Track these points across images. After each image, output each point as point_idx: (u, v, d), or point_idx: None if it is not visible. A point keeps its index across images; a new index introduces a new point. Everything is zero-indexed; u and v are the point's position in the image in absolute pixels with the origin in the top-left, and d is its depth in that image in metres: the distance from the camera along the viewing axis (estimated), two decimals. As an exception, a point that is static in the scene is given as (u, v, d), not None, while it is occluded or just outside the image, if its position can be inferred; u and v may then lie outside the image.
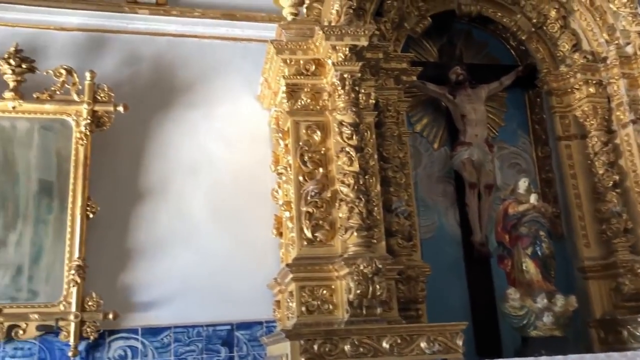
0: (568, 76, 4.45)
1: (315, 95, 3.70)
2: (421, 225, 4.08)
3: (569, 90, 4.48)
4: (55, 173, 3.80)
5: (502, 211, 4.01)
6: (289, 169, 3.70)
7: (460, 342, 3.14)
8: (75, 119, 3.87)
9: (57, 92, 3.87)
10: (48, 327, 3.57)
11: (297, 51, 3.68)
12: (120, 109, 3.92)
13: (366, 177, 3.48)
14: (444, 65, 4.57)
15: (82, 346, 3.62)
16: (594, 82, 4.36)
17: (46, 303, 3.60)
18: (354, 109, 3.48)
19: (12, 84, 3.81)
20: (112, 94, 3.94)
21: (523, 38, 4.65)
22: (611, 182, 4.16)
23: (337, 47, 3.51)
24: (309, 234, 3.43)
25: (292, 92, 3.67)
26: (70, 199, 3.74)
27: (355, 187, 3.34)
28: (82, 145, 3.83)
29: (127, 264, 3.85)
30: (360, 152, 3.44)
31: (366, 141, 3.63)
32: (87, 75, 3.91)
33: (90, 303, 3.63)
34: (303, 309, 3.29)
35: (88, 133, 3.85)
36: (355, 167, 3.38)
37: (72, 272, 3.62)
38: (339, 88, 3.51)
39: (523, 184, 4.05)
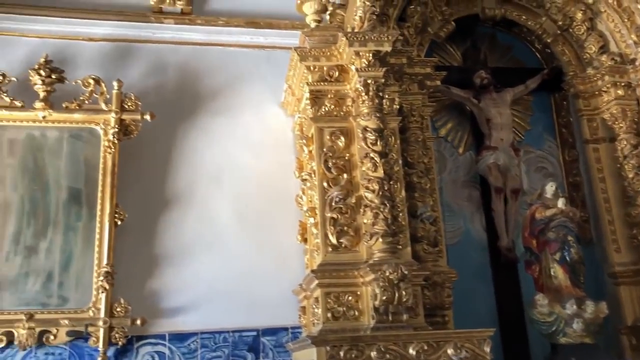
0: (595, 79, 4.40)
1: (339, 101, 3.71)
2: (447, 230, 4.05)
3: (597, 92, 4.42)
4: (84, 181, 3.85)
5: (529, 216, 3.96)
6: (313, 175, 3.71)
7: (487, 349, 3.10)
8: (103, 127, 3.93)
9: (86, 102, 3.94)
10: (78, 332, 3.63)
11: (321, 58, 3.69)
12: (147, 117, 3.97)
13: (391, 182, 3.48)
14: (468, 69, 4.54)
15: (110, 352, 3.67)
16: (623, 84, 4.31)
17: (76, 309, 3.65)
18: (378, 115, 3.48)
19: (42, 94, 3.88)
20: (139, 103, 4.00)
21: (548, 41, 4.60)
22: (642, 186, 4.09)
23: (360, 53, 3.52)
24: (333, 240, 3.43)
25: (316, 98, 3.69)
26: (98, 207, 3.79)
27: (380, 193, 3.33)
28: (110, 153, 3.89)
29: (155, 270, 3.89)
30: (385, 157, 3.43)
31: (390, 146, 3.62)
32: (115, 84, 3.98)
33: (118, 309, 3.68)
34: (329, 315, 3.29)
35: (116, 141, 3.90)
36: (380, 172, 3.37)
37: (101, 278, 3.67)
38: (363, 94, 3.51)
39: (550, 188, 4.01)
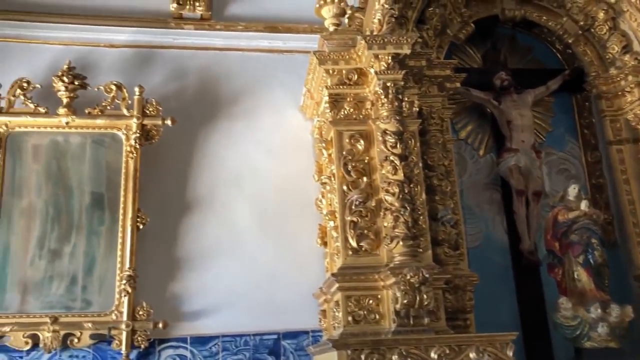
0: (618, 79, 4.34)
1: (358, 104, 3.71)
2: (468, 233, 4.02)
3: (620, 93, 4.36)
4: (106, 186, 3.90)
5: (551, 218, 3.92)
6: (332, 178, 3.71)
7: (510, 353, 3.07)
8: (125, 132, 3.98)
9: (108, 107, 3.99)
10: (101, 335, 3.67)
11: (340, 61, 3.70)
12: (168, 122, 4.01)
13: (411, 185, 3.46)
14: (488, 71, 4.50)
15: (133, 355, 3.71)
16: (647, 84, 4.23)
17: (99, 312, 3.70)
18: (397, 118, 3.47)
19: (65, 100, 3.94)
20: (160, 108, 4.04)
21: (570, 41, 4.55)
22: (667, 187, 4.02)
23: (379, 56, 3.51)
24: (354, 244, 3.43)
25: (335, 101, 3.70)
26: (121, 211, 3.84)
27: (400, 196, 3.32)
28: (132, 158, 3.94)
29: (176, 273, 3.93)
30: (405, 160, 3.42)
31: (410, 149, 3.61)
32: (136, 90, 4.03)
33: (140, 312, 3.71)
34: (349, 318, 3.29)
35: (138, 146, 3.95)
36: (400, 175, 3.36)
37: (124, 282, 3.71)
38: (382, 97, 3.51)
39: (573, 190, 3.96)
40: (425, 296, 3.15)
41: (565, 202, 3.94)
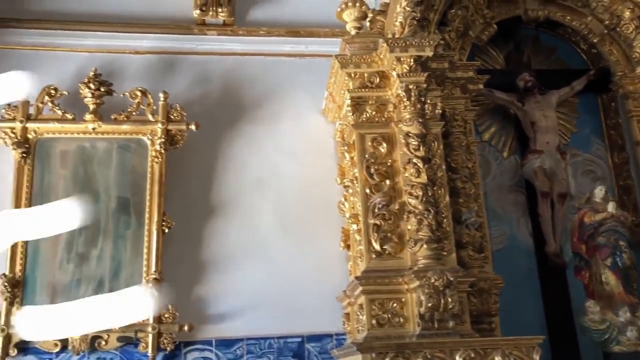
0: (646, 78, 4.27)
1: (380, 107, 3.71)
2: (492, 236, 3.98)
3: (647, 92, 4.29)
4: (132, 190, 3.96)
5: (577, 221, 3.89)
6: (355, 181, 3.72)
7: (537, 357, 3.04)
8: (150, 138, 4.04)
9: (133, 113, 4.05)
10: (128, 338, 3.72)
11: (362, 64, 3.71)
12: (192, 127, 4.06)
13: (434, 188, 3.45)
14: (511, 72, 4.46)
15: (159, 357, 3.76)
16: (675, 83, 4.16)
17: (126, 315, 3.76)
18: (420, 120, 3.46)
19: (91, 107, 4.01)
20: (184, 113, 4.10)
21: (595, 41, 4.49)
22: (697, 188, 3.95)
23: (401, 59, 3.51)
24: (377, 247, 3.42)
25: (357, 105, 3.70)
26: (146, 215, 3.89)
27: (424, 199, 3.32)
28: (157, 163, 3.99)
29: (201, 276, 3.97)
30: (428, 163, 3.41)
31: (433, 152, 3.60)
32: (161, 96, 4.08)
33: (166, 315, 3.76)
34: (373, 322, 3.28)
35: (163, 151, 4.00)
36: (423, 178, 3.36)
37: (150, 285, 3.76)
38: (405, 99, 3.50)
39: (599, 192, 3.92)
40: (449, 299, 3.14)
41: (592, 204, 3.90)
